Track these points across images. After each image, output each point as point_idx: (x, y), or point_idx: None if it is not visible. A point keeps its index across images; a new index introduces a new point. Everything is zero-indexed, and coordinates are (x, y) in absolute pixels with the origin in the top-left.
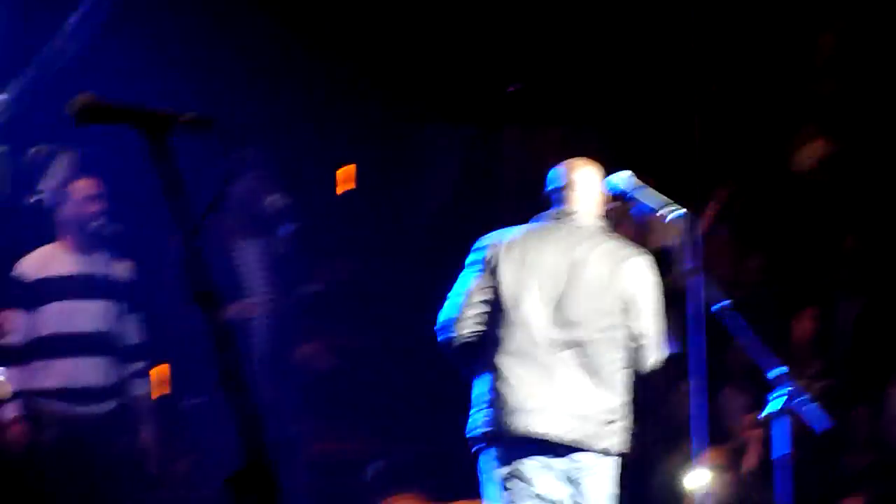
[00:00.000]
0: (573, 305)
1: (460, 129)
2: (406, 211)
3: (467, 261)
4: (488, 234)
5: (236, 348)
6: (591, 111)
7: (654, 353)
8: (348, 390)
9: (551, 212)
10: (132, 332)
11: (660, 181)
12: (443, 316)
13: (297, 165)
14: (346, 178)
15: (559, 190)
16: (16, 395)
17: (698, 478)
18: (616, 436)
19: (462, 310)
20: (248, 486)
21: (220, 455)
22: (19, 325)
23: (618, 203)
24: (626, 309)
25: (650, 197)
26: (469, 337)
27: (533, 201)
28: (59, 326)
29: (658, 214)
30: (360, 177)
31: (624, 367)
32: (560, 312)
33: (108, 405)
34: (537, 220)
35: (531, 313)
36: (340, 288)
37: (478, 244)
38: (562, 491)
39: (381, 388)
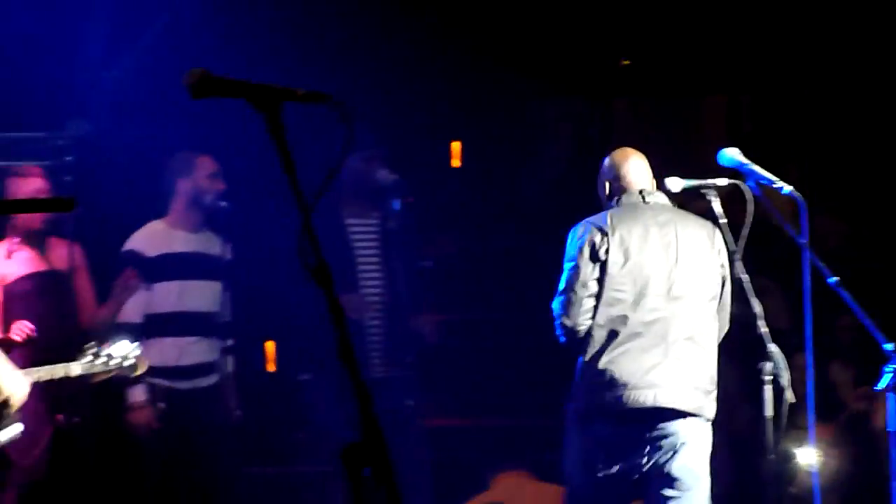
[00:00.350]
0: (680, 280)
1: (573, 102)
2: (520, 185)
3: (568, 252)
4: (580, 224)
5: (346, 323)
6: (699, 84)
7: (725, 327)
8: (460, 364)
9: (630, 195)
10: (240, 309)
11: (766, 155)
12: (560, 311)
13: (411, 141)
14: (454, 154)
15: (621, 177)
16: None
17: (810, 454)
18: (712, 404)
19: (578, 305)
20: (362, 459)
21: (335, 430)
22: (139, 302)
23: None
24: (721, 279)
25: (761, 172)
26: (587, 327)
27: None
28: (174, 305)
29: (775, 186)
30: (474, 151)
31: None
32: (668, 288)
33: (211, 379)
34: (618, 205)
35: (641, 292)
36: (454, 262)
37: (574, 235)
38: (660, 460)
39: (493, 362)
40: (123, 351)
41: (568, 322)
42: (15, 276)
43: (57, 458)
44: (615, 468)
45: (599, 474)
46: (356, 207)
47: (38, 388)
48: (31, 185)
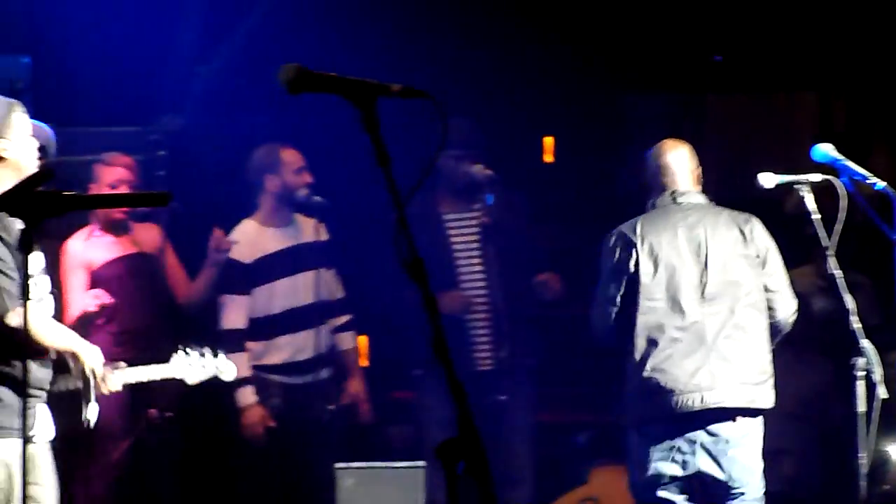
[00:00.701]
0: (712, 281)
1: (666, 98)
2: (612, 181)
3: (602, 262)
4: (611, 234)
5: (441, 318)
6: (795, 79)
7: (789, 307)
8: (560, 359)
9: (663, 197)
10: (340, 287)
11: (857, 152)
12: (596, 322)
13: (505, 135)
14: (547, 149)
15: (657, 175)
16: (247, 380)
17: None
18: (768, 393)
19: (604, 318)
20: (458, 454)
21: (439, 426)
22: (242, 308)
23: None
24: (760, 268)
25: (854, 167)
26: (615, 335)
27: (738, 169)
28: (281, 305)
29: (868, 182)
30: (566, 147)
31: (766, 326)
32: (702, 290)
33: (326, 373)
34: (652, 208)
35: (676, 297)
36: (551, 256)
37: (605, 246)
38: (709, 463)
39: (590, 356)
40: (216, 359)
41: (597, 332)
42: (102, 262)
43: (146, 452)
44: (672, 469)
45: (657, 475)
46: (453, 203)
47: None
48: (115, 173)
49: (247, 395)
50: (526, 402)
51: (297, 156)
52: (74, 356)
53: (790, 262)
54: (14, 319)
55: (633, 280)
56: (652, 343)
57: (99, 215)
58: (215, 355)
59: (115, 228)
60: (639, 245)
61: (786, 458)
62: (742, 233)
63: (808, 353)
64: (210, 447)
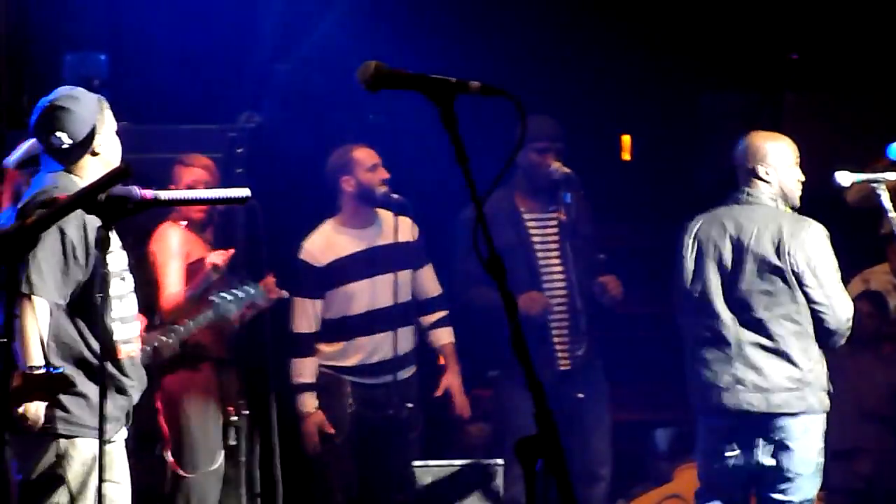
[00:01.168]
0: (743, 287)
1: (743, 96)
2: (690, 179)
3: None
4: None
5: (519, 317)
6: (872, 78)
7: (840, 316)
8: (638, 356)
9: (736, 192)
10: (435, 285)
11: None
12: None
13: (583, 133)
14: (625, 147)
15: (743, 167)
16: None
17: None
18: (808, 394)
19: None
20: (536, 452)
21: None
22: (313, 312)
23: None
24: (802, 278)
25: None
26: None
27: (814, 167)
28: (359, 307)
29: None
30: (644, 145)
31: (805, 334)
32: (730, 295)
33: (406, 373)
34: (725, 202)
35: (705, 299)
36: (625, 256)
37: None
38: (762, 457)
39: (669, 355)
40: (247, 286)
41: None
42: (194, 258)
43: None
44: (726, 459)
45: (715, 464)
46: (532, 201)
47: (211, 383)
48: (193, 174)
49: (307, 403)
50: (603, 399)
51: (370, 153)
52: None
53: (866, 261)
54: (27, 306)
55: (684, 276)
56: (690, 339)
57: (180, 215)
58: (245, 285)
59: (196, 228)
60: (689, 238)
61: (863, 456)
62: (789, 240)
63: (885, 352)
64: (288, 446)
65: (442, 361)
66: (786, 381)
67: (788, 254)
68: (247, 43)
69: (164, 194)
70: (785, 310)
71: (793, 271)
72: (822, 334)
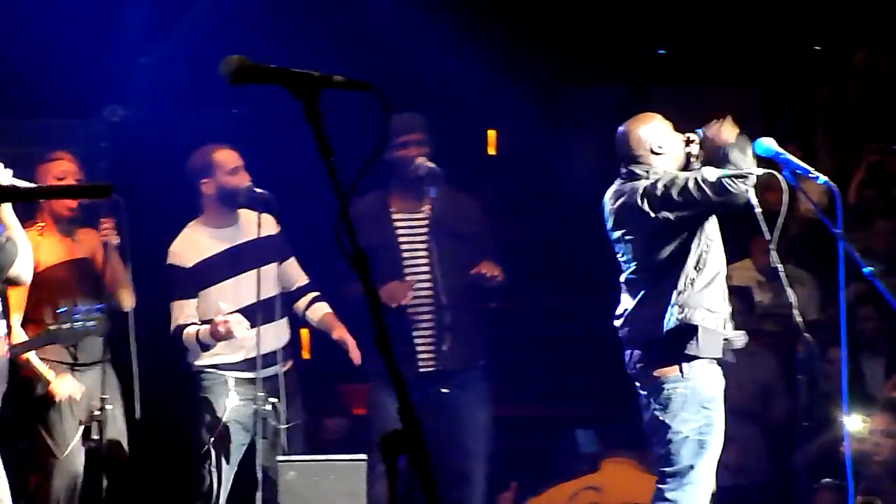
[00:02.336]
0: None
1: (610, 91)
2: (556, 174)
3: None
4: None
5: (382, 312)
6: (738, 72)
7: None
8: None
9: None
10: (301, 274)
11: (804, 145)
12: None
13: (448, 127)
14: (490, 142)
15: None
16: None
17: (856, 422)
18: None
19: None
20: (399, 447)
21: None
22: (191, 308)
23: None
24: None
25: (797, 161)
26: None
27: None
28: (228, 306)
29: (811, 176)
30: (510, 140)
31: None
32: None
33: (272, 370)
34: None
35: None
36: (495, 250)
37: None
38: None
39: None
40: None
41: None
42: (47, 265)
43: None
44: None
45: None
46: (399, 198)
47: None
48: (61, 166)
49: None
50: (479, 399)
51: (231, 156)
52: None
53: (732, 256)
54: None
55: None
56: None
57: (45, 211)
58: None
59: (63, 226)
60: None
61: (730, 447)
62: None
63: (751, 347)
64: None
65: (336, 334)
66: None
67: None
68: (112, 37)
69: (23, 186)
70: None
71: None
72: None
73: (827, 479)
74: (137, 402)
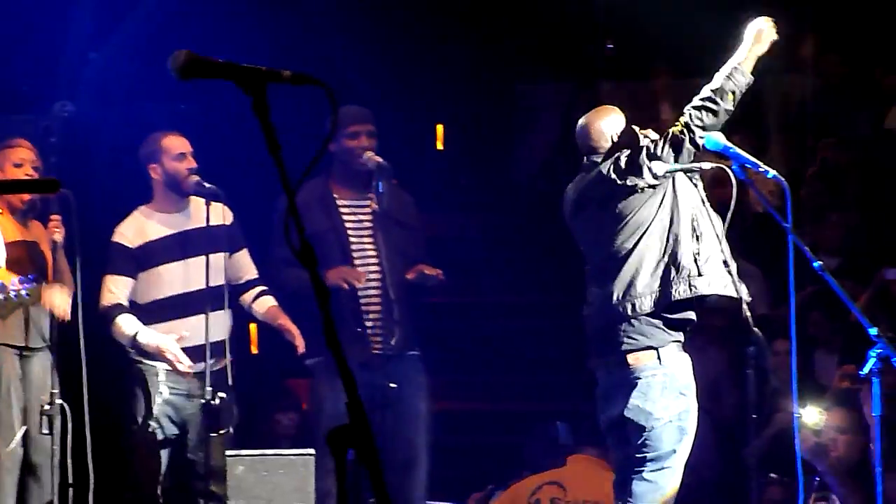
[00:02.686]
0: None
1: (559, 86)
2: (506, 169)
3: None
4: None
5: (331, 306)
6: (685, 66)
7: None
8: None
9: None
10: (251, 267)
11: (757, 138)
12: None
13: (397, 122)
14: (438, 136)
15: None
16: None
17: (812, 414)
18: None
19: None
20: (347, 442)
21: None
22: (124, 288)
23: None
24: None
25: (746, 155)
26: None
27: None
28: (170, 290)
29: (760, 170)
30: (458, 135)
31: None
32: None
33: (220, 362)
34: None
35: None
36: (444, 244)
37: None
38: None
39: (483, 344)
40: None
41: None
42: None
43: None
44: None
45: None
46: (346, 189)
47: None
48: (19, 153)
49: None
50: (419, 390)
51: (179, 142)
52: None
53: None
54: None
55: None
56: None
57: (2, 199)
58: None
59: (18, 217)
60: None
61: None
62: None
63: (696, 344)
64: (100, 436)
65: (280, 322)
66: None
67: None
68: (61, 32)
69: None
70: None
71: None
72: None
73: (774, 475)
74: (86, 396)
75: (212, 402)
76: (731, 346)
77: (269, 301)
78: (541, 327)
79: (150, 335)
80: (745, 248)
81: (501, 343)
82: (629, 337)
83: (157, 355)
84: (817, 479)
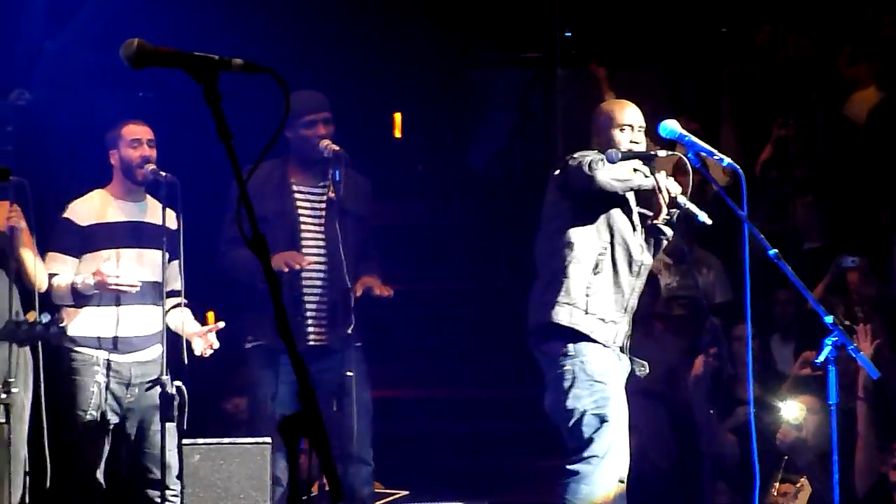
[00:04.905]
0: None
1: (516, 71)
2: (464, 155)
3: None
4: None
5: (281, 294)
6: (642, 53)
7: None
8: (405, 335)
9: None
10: (179, 278)
11: (708, 127)
12: None
13: (354, 110)
14: (396, 124)
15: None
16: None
17: (793, 409)
18: None
19: None
20: (299, 430)
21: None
22: (70, 268)
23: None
24: None
25: (701, 143)
26: None
27: (585, 143)
28: (133, 276)
29: (715, 158)
30: (415, 122)
31: None
32: None
33: (155, 352)
34: None
35: None
36: (396, 233)
37: None
38: None
39: (437, 332)
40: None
41: None
42: None
43: None
44: None
45: None
46: (301, 176)
47: None
48: None
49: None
50: (364, 379)
51: (137, 129)
52: None
53: None
54: None
55: None
56: None
57: None
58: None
59: None
60: None
61: (632, 433)
62: None
63: (657, 330)
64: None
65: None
66: None
67: None
68: (16, 20)
69: None
70: None
71: None
72: None
73: (777, 443)
74: (42, 385)
75: (167, 390)
76: (689, 335)
77: (182, 314)
78: (495, 313)
79: (84, 275)
80: (703, 236)
81: (457, 329)
82: (542, 329)
83: (101, 286)
84: (785, 458)
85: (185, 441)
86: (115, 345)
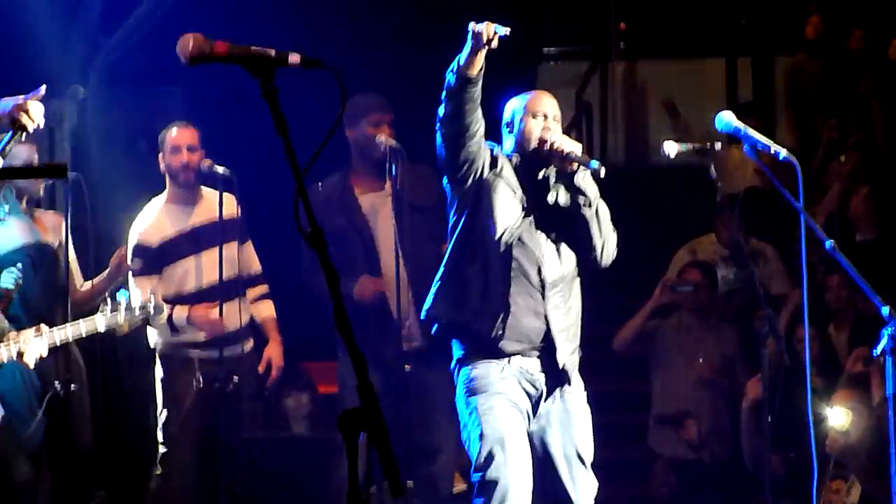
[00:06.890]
0: None
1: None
2: None
3: None
4: None
5: (340, 289)
6: (702, 46)
7: None
8: None
9: None
10: (255, 260)
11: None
12: None
13: (414, 109)
14: None
15: None
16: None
17: (839, 414)
18: None
19: None
20: (358, 425)
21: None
22: (151, 285)
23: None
24: None
25: (757, 136)
26: None
27: (641, 136)
28: (190, 285)
29: (772, 152)
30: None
31: None
32: None
33: (234, 349)
34: None
35: None
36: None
37: None
38: None
39: None
40: (140, 299)
41: None
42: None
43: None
44: None
45: None
46: (364, 178)
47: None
48: (24, 151)
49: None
50: (444, 373)
51: (179, 134)
52: None
53: (695, 231)
54: None
55: None
56: None
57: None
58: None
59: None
60: None
61: (691, 422)
62: None
63: (714, 322)
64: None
65: (267, 350)
66: None
67: None
68: (73, 16)
69: None
70: None
71: None
72: None
73: (827, 450)
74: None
75: (225, 388)
76: (745, 325)
77: (266, 310)
78: None
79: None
80: (759, 227)
81: None
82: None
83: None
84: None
85: (245, 436)
86: (200, 345)
